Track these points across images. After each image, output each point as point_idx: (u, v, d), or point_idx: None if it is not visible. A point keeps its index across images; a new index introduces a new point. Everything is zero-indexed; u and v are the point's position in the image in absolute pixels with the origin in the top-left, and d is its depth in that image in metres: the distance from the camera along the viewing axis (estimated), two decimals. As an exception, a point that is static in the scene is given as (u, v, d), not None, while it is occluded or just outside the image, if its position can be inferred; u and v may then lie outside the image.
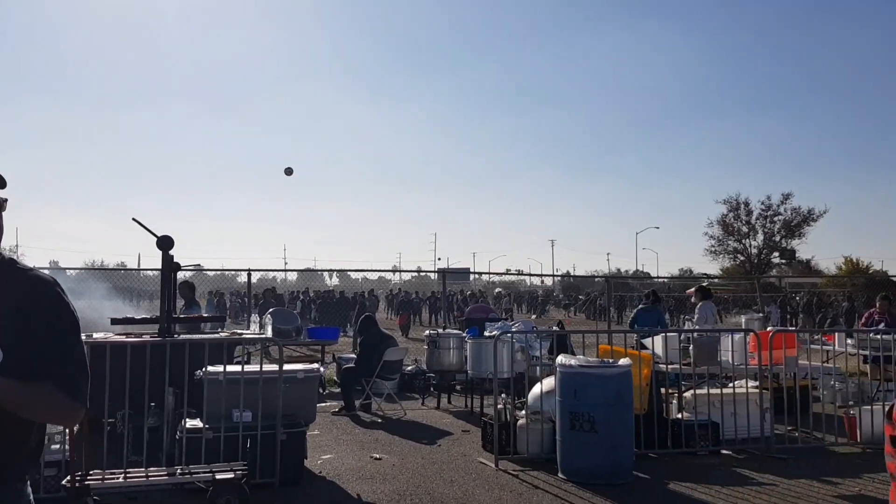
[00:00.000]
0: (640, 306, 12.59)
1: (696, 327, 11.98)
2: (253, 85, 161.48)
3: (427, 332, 10.81)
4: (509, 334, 8.18)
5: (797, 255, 60.88)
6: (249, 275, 13.31)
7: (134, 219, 7.14)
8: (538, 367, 9.94)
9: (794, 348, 8.26)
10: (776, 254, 61.24)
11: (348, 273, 42.24)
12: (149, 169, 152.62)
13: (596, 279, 68.96)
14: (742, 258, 61.56)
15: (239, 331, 9.17)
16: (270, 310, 13.17)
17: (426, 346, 10.60)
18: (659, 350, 8.44)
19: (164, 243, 7.29)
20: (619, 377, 6.40)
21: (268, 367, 6.62)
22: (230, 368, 6.42)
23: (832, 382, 9.87)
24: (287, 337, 12.69)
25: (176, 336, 8.32)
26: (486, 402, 9.80)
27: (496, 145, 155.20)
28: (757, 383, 8.92)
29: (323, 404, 10.72)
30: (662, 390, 7.90)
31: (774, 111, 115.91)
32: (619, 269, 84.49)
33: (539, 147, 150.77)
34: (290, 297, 35.63)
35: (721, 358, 7.96)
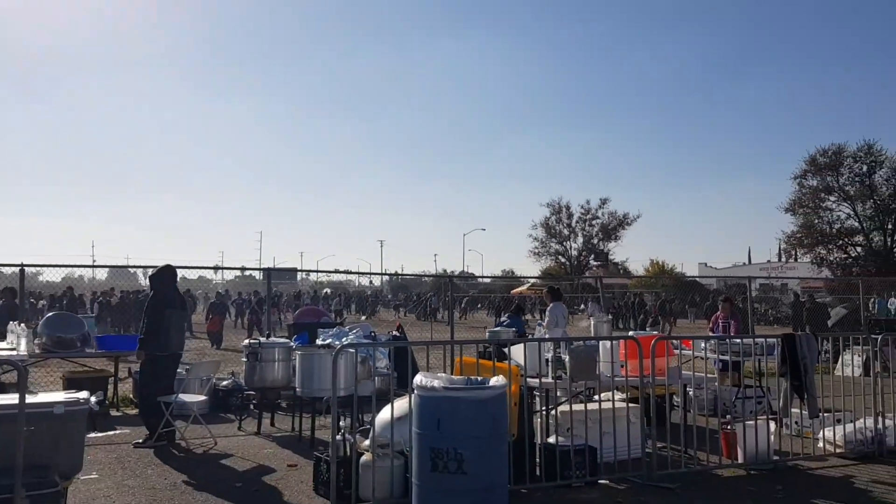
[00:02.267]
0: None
1: (546, 331, 11.08)
2: (64, 70, 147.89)
3: (246, 341, 8.97)
4: (352, 345, 6.61)
5: (611, 256, 63.83)
6: (23, 271, 10.72)
7: None
8: (376, 380, 8.50)
9: (672, 356, 7.36)
10: (593, 256, 63.92)
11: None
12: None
13: (424, 279, 68.77)
14: (563, 259, 63.69)
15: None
16: (49, 314, 10.69)
17: (245, 359, 8.77)
18: (521, 359, 7.21)
19: None
20: (494, 401, 5.05)
21: (3, 399, 4.64)
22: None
23: (689, 390, 9.19)
24: (70, 348, 10.34)
25: None
26: (319, 422, 8.20)
27: (325, 145, 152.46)
28: (623, 396, 8.00)
29: (113, 432, 8.63)
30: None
31: (591, 122, 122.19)
32: (445, 270, 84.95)
33: (368, 149, 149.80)
34: (91, 298, 31.62)
35: (600, 370, 6.85)
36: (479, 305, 50.64)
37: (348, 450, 5.80)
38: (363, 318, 40.99)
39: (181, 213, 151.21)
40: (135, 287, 32.92)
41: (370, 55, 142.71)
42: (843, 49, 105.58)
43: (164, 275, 8.40)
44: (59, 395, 4.97)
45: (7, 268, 11.86)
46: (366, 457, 5.64)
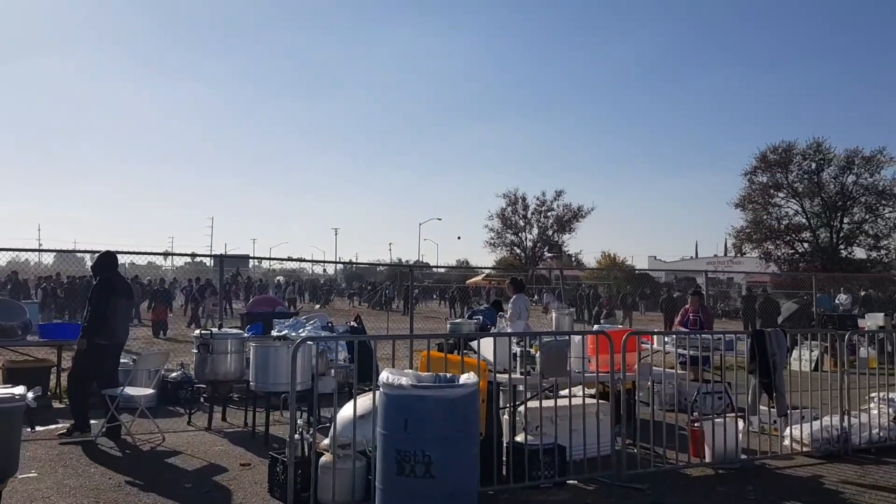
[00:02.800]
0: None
1: (509, 323, 10.88)
2: (6, 54, 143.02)
3: (197, 331, 8.53)
4: (313, 338, 6.27)
5: (564, 248, 64.18)
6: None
7: None
8: (333, 373, 8.19)
9: (642, 351, 7.19)
10: (547, 247, 64.24)
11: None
12: None
13: (379, 268, 68.23)
14: (519, 251, 63.85)
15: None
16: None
17: (195, 350, 8.35)
18: (488, 354, 6.95)
19: None
20: (465, 400, 4.79)
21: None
22: None
23: (649, 384, 9.07)
24: (10, 336, 9.80)
25: None
26: (273, 418, 7.86)
27: (278, 130, 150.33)
28: (590, 392, 7.83)
29: (54, 426, 8.14)
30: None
31: (547, 114, 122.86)
32: (400, 259, 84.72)
33: (322, 135, 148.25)
34: (35, 283, 30.39)
35: (571, 366, 6.63)
36: (434, 296, 50.40)
37: (307, 450, 5.49)
38: (317, 306, 40.41)
39: (130, 198, 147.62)
40: (81, 272, 31.81)
41: (324, 40, 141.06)
42: (795, 47, 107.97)
43: (106, 261, 8.05)
44: (-9, 391, 4.55)
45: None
46: (325, 457, 5.32)
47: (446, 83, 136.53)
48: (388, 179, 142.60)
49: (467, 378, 4.92)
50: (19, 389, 4.59)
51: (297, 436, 5.42)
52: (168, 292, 23.83)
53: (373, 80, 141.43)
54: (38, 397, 4.68)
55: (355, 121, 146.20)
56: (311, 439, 5.55)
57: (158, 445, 7.29)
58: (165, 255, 45.33)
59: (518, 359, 6.62)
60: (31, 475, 6.06)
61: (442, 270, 65.50)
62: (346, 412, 5.73)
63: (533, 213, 62.47)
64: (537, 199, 62.20)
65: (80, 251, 22.26)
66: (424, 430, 4.66)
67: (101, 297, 7.68)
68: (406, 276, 47.36)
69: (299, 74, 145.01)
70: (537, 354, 6.51)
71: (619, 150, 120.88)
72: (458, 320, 11.25)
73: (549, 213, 62.32)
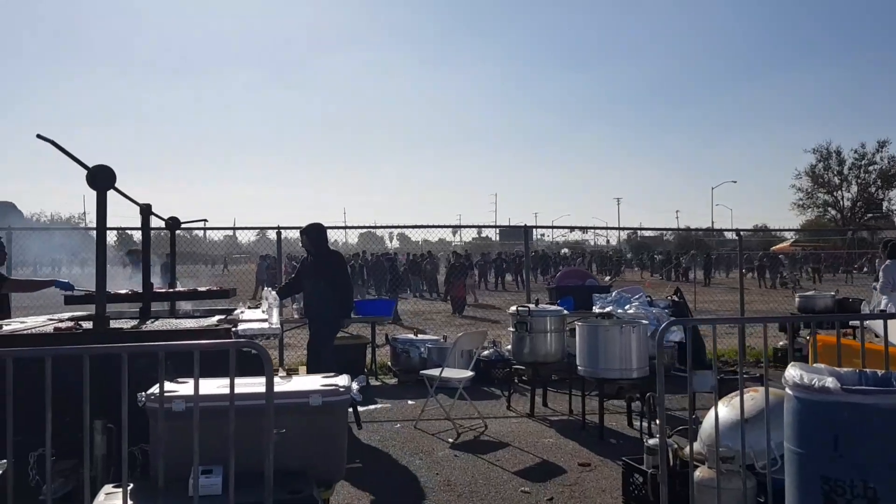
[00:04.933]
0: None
1: (883, 296, 8.77)
2: (305, 52, 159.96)
3: (513, 308, 7.71)
4: (678, 321, 5.07)
5: (893, 204, 55.56)
6: (279, 233, 10.46)
7: (40, 135, 4.27)
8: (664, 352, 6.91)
9: None
10: (865, 208, 56.19)
11: (408, 236, 39.12)
12: (210, 138, 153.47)
13: (665, 237, 64.75)
14: (834, 211, 56.73)
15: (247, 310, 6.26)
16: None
17: (512, 329, 7.55)
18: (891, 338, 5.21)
19: (100, 177, 4.41)
20: (925, 411, 3.28)
21: (250, 383, 3.67)
22: (184, 389, 3.53)
23: None
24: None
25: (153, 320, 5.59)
26: (606, 404, 6.83)
27: (557, 103, 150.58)
28: None
29: (373, 406, 7.90)
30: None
31: (865, 56, 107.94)
32: (688, 227, 79.88)
33: (601, 103, 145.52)
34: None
35: None
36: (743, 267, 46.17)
37: (672, 459, 4.33)
38: (607, 278, 39.08)
39: (421, 180, 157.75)
40: (383, 250, 33.98)
41: (599, 6, 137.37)
42: None
43: (325, 235, 7.44)
44: (315, 381, 3.98)
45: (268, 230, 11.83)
46: (703, 472, 4.12)
47: (735, 30, 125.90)
48: (674, 143, 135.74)
49: (919, 377, 3.39)
50: (343, 380, 3.96)
51: (652, 440, 4.29)
52: (464, 268, 23.67)
53: (653, 41, 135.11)
54: (361, 389, 4.02)
55: (636, 85, 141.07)
56: (675, 445, 4.41)
57: (482, 434, 6.60)
58: (456, 227, 46.70)
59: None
60: (355, 465, 5.63)
61: (745, 232, 60.12)
62: (726, 411, 4.47)
63: (850, 169, 54.91)
64: (855, 151, 54.48)
65: (378, 227, 23.31)
66: (863, 453, 3.25)
67: (346, 270, 7.60)
68: (699, 245, 43.93)
69: (575, 45, 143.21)
70: None
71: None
72: (809, 293, 9.30)
73: (870, 168, 54.35)
